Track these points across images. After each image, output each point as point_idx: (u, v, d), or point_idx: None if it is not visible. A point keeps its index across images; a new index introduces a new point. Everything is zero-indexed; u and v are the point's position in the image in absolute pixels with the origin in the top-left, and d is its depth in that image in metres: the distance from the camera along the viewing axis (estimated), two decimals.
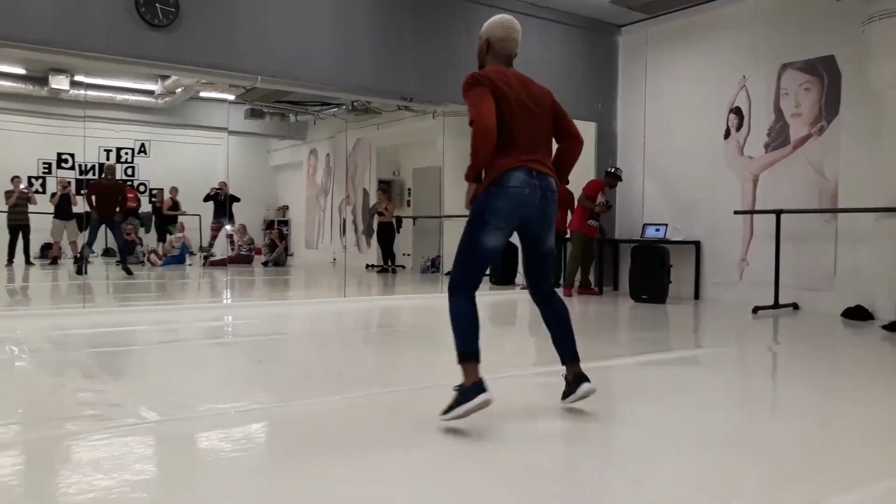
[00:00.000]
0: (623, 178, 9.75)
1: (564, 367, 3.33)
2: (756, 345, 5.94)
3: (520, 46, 3.34)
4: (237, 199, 13.57)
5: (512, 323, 7.45)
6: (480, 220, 3.07)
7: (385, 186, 13.83)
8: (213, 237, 13.90)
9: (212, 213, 13.77)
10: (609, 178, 9.65)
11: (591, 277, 9.85)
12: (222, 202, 13.82)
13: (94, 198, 10.22)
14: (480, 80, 3.11)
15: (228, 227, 13.79)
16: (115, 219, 10.37)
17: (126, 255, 10.75)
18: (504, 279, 10.37)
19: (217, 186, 13.64)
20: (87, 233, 10.38)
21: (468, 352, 2.98)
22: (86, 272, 9.79)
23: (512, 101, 3.11)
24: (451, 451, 2.82)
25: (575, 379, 3.28)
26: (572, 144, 3.40)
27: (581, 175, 10.18)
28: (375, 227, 13.36)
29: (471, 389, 2.92)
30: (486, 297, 9.40)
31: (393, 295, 9.84)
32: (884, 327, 6.49)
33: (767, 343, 6.03)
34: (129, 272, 10.34)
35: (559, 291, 7.94)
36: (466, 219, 3.16)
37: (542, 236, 3.26)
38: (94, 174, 13.79)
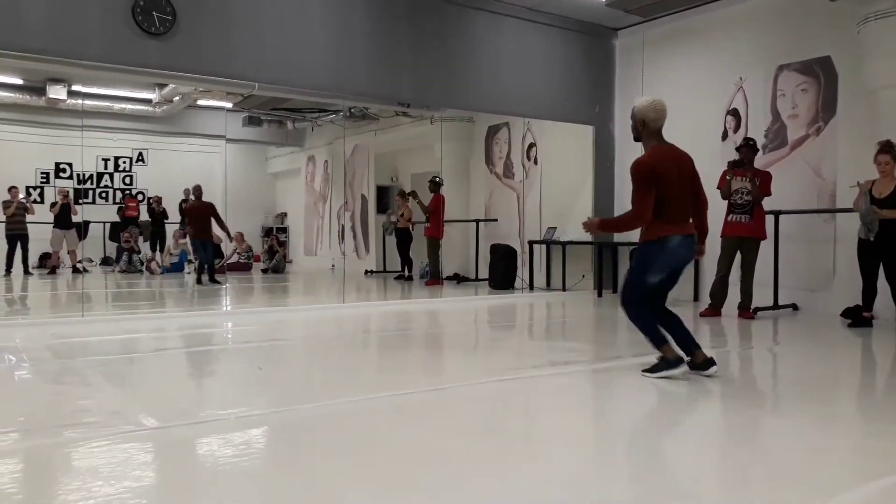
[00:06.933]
0: (758, 146, 7.67)
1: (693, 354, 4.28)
2: (756, 345, 5.94)
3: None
4: None
5: (511, 326, 7.44)
6: (645, 264, 4.17)
7: (403, 192, 13.66)
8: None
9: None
10: (744, 152, 7.50)
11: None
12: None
13: (187, 220, 10.66)
14: (650, 174, 4.01)
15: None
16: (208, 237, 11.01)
17: (213, 269, 11.15)
18: (503, 283, 10.37)
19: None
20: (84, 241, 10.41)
21: (658, 341, 4.14)
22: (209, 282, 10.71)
23: (670, 179, 4.05)
24: (451, 453, 2.81)
25: (703, 361, 4.24)
26: (701, 208, 4.35)
27: (585, 176, 10.23)
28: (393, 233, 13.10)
29: (674, 361, 4.06)
30: (486, 301, 9.40)
31: (392, 300, 9.82)
32: (850, 325, 6.73)
33: (767, 344, 6.03)
34: (216, 282, 10.79)
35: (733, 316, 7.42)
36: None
37: (680, 274, 4.32)
38: (91, 183, 13.79)
